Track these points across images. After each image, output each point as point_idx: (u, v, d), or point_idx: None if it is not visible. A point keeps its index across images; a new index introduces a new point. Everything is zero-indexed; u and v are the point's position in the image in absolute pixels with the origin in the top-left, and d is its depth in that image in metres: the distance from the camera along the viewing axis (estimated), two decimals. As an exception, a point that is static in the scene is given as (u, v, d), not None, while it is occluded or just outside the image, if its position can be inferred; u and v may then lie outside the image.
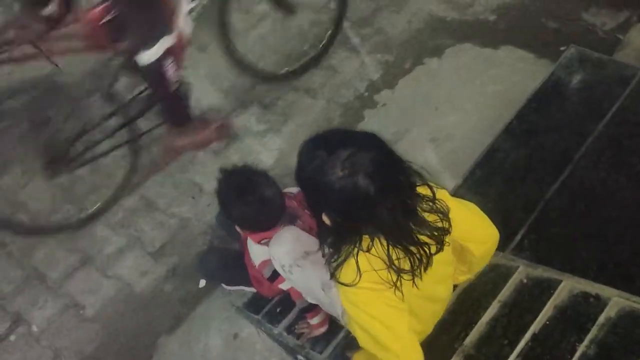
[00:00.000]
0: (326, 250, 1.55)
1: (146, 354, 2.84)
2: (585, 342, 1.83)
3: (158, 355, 2.83)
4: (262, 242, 2.22)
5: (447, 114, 3.36)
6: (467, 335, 2.05)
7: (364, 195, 1.36)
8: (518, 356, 1.91)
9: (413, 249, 1.48)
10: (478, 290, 2.19)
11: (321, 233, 1.55)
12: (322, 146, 1.40)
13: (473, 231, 1.80)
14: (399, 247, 1.46)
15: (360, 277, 1.47)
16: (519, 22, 3.68)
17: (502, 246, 2.40)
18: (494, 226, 1.88)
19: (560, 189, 2.44)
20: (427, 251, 1.51)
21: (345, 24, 3.80)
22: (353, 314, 1.57)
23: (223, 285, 2.82)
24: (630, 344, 1.78)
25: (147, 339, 2.88)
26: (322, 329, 2.35)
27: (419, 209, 1.49)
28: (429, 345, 2.10)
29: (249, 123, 3.55)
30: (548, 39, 3.52)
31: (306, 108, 3.59)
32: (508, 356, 1.92)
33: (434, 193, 1.54)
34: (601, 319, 1.87)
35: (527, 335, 1.94)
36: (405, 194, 1.44)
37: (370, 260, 1.48)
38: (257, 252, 2.29)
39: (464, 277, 2.05)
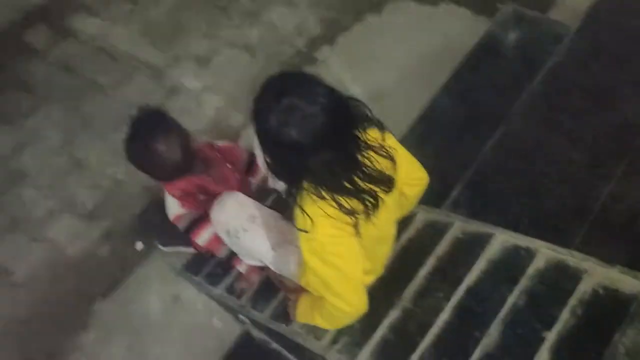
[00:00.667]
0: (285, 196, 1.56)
1: (82, 319, 2.77)
2: (516, 292, 1.89)
3: (94, 320, 2.77)
4: (177, 194, 2.17)
5: (386, 70, 3.35)
6: (405, 289, 2.09)
7: (295, 148, 1.37)
8: (453, 308, 1.96)
9: (362, 194, 1.49)
10: (416, 247, 2.22)
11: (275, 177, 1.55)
12: (270, 90, 1.40)
13: (409, 174, 1.84)
14: (343, 195, 1.47)
15: (315, 223, 1.48)
16: (458, -22, 3.68)
17: (439, 203, 2.45)
18: (424, 170, 1.93)
19: (495, 146, 2.49)
20: (373, 197, 1.52)
21: (285, -22, 3.71)
22: (313, 264, 1.58)
23: (160, 247, 2.76)
24: (556, 292, 1.84)
25: (83, 304, 2.80)
26: (256, 277, 2.36)
27: (370, 153, 1.49)
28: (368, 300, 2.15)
29: (184, 79, 3.44)
30: (485, -5, 3.55)
31: (244, 64, 3.50)
32: (443, 308, 1.97)
33: (383, 137, 1.57)
34: (530, 270, 1.93)
35: (462, 288, 1.98)
36: (346, 146, 1.44)
37: (324, 207, 1.48)
38: (170, 205, 2.25)
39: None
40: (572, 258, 1.92)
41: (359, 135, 1.47)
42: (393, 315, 2.03)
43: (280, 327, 2.17)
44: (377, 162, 1.52)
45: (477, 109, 2.79)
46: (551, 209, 2.23)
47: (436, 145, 2.75)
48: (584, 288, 1.83)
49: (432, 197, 2.48)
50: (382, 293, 2.13)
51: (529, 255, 1.98)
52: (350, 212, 1.49)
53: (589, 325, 1.76)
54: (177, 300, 2.75)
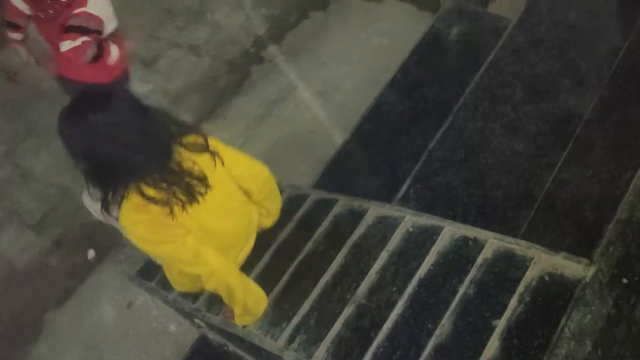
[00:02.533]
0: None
1: (34, 331, 2.70)
2: (466, 282, 1.94)
3: (47, 330, 2.71)
4: None
5: (334, 67, 3.37)
6: (358, 285, 2.11)
7: (106, 159, 1.52)
8: (406, 301, 2.00)
9: (176, 188, 1.62)
10: (368, 242, 2.25)
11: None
12: (75, 110, 1.56)
13: (245, 171, 1.94)
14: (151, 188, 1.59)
15: (125, 215, 1.62)
16: (400, -26, 3.71)
17: (390, 197, 2.48)
18: (262, 165, 2.03)
19: (442, 139, 2.53)
20: (186, 191, 1.66)
21: (229, -24, 3.68)
22: (144, 248, 1.73)
23: None
24: (505, 281, 1.90)
25: (34, 315, 2.74)
26: None
27: (184, 155, 1.65)
28: (320, 298, 2.16)
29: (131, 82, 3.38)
30: (429, -9, 3.60)
31: (191, 66, 3.47)
32: (397, 302, 2.00)
33: (206, 140, 1.74)
34: (479, 260, 1.98)
35: (414, 281, 2.02)
36: (153, 151, 1.58)
37: (133, 199, 1.60)
38: None
39: (269, 220, 2.20)
40: (518, 247, 1.97)
41: (167, 140, 1.62)
42: (347, 312, 2.05)
43: (236, 329, 2.16)
44: (193, 162, 1.68)
45: (424, 103, 2.83)
46: (498, 199, 2.29)
47: (385, 140, 2.78)
48: (530, 275, 1.88)
49: (383, 192, 2.53)
50: (335, 290, 2.15)
51: (477, 245, 2.03)
52: (157, 202, 1.60)
53: (536, 311, 1.82)
54: (132, 307, 2.72)
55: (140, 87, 3.36)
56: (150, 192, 1.61)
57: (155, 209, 1.63)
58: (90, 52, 2.37)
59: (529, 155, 2.35)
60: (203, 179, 1.73)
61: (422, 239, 2.14)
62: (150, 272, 2.57)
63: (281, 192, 2.69)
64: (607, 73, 2.40)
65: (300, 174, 2.88)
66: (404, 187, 2.44)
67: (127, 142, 1.54)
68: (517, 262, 1.93)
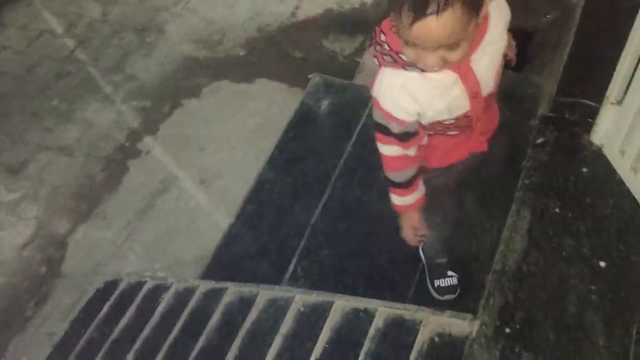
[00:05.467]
0: None
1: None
2: (361, 356, 1.91)
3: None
4: None
5: (213, 153, 3.35)
6: (256, 377, 2.03)
7: None
8: (305, 386, 1.93)
9: None
10: (261, 329, 2.19)
11: None
12: None
13: None
14: None
15: None
16: (268, 55, 3.81)
17: (279, 278, 2.44)
18: None
19: (323, 212, 2.55)
20: None
21: (94, 72, 3.62)
22: None
23: None
24: (398, 348, 1.89)
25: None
26: None
27: None
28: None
29: (-3, 192, 3.20)
30: (297, 69, 3.70)
31: (63, 167, 3.33)
32: (296, 388, 1.94)
33: None
34: (371, 331, 1.96)
35: (310, 363, 1.97)
36: None
37: None
38: None
39: None
40: (407, 311, 1.98)
41: None
42: (246, 407, 1.96)
43: None
44: None
45: (304, 177, 2.86)
46: (384, 265, 2.31)
47: (270, 219, 2.76)
48: (421, 339, 1.89)
49: (272, 274, 2.49)
50: (233, 385, 2.06)
51: (367, 316, 2.02)
52: None
53: (432, 375, 1.82)
54: None
55: (7, 195, 3.19)
56: None
57: None
58: None
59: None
60: None
61: (314, 317, 2.11)
62: None
63: (168, 287, 2.60)
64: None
65: (187, 265, 2.79)
66: (291, 266, 2.42)
67: None
68: (408, 328, 1.93)
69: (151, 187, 3.24)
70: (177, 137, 3.45)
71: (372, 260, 2.32)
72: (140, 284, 2.71)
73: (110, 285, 2.81)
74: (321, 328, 2.05)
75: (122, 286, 2.77)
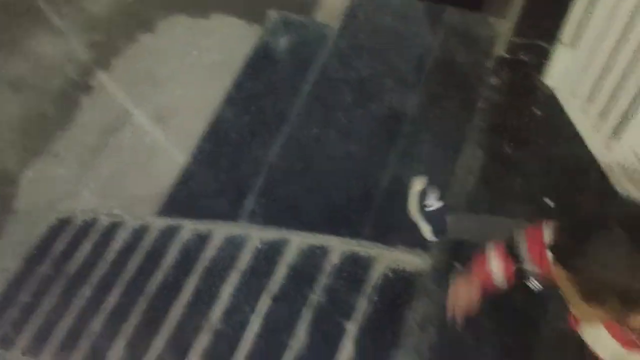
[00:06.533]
0: None
1: None
2: (317, 291, 1.97)
3: None
4: None
5: (169, 89, 3.27)
6: (212, 311, 2.07)
7: None
8: (262, 319, 1.98)
9: None
10: (218, 265, 2.21)
11: None
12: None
13: None
14: None
15: None
16: (226, -11, 3.69)
17: (236, 216, 2.45)
18: None
19: (281, 150, 2.55)
20: None
21: (42, 4, 3.45)
22: None
23: None
24: (353, 284, 1.95)
25: None
26: None
27: None
28: (175, 331, 2.09)
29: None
30: (254, 4, 3.59)
31: (11, 102, 3.21)
32: (252, 321, 1.98)
33: None
34: (327, 267, 2.01)
35: (267, 298, 2.01)
36: None
37: None
38: None
39: None
40: (362, 248, 2.04)
41: None
42: (203, 339, 2.00)
43: None
44: None
45: (262, 115, 2.83)
46: (341, 203, 2.34)
47: (227, 157, 2.75)
48: (375, 274, 1.95)
49: (229, 211, 2.49)
50: (191, 320, 2.09)
51: (323, 252, 2.07)
52: None
53: (384, 308, 1.89)
54: None
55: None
56: None
57: None
58: None
59: (364, 156, 2.42)
60: None
61: (270, 254, 2.15)
62: None
63: (124, 224, 2.59)
64: (423, 71, 2.56)
65: (143, 202, 2.76)
66: (250, 203, 2.42)
67: None
68: (362, 263, 1.99)
69: (105, 124, 3.17)
70: (131, 73, 3.35)
71: (329, 198, 2.35)
72: (95, 221, 2.69)
73: (64, 222, 2.78)
74: (277, 264, 2.09)
75: (76, 223, 2.74)
